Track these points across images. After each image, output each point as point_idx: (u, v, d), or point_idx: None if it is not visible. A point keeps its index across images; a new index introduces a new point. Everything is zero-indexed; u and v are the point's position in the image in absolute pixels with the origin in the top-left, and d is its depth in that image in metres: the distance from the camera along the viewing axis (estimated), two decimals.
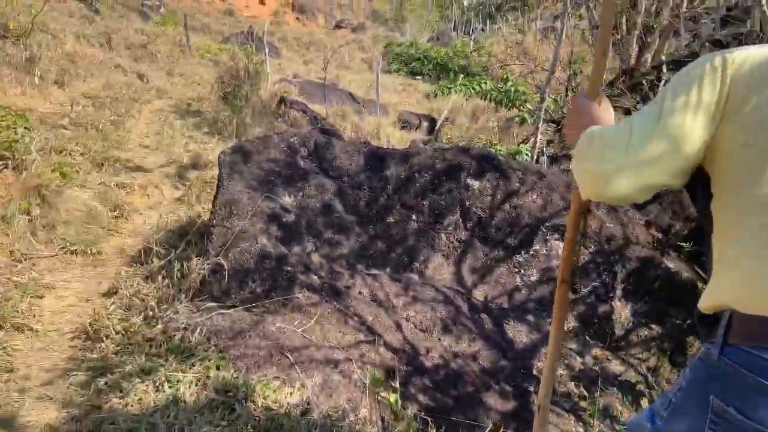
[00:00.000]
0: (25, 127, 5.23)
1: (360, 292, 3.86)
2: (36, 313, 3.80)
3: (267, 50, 12.95)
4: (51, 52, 8.17)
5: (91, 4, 16.11)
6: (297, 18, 28.67)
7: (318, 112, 10.72)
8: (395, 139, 11.68)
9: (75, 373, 3.20)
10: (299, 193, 4.33)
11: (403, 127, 13.19)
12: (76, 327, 3.70)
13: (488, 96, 7.69)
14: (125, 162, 6.58)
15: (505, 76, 7.68)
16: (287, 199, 4.28)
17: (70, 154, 6.04)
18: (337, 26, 28.34)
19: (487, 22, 26.55)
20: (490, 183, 4.42)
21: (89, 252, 4.68)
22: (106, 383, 2.99)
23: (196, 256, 3.89)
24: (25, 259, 4.36)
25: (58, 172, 5.19)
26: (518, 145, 7.74)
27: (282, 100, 10.45)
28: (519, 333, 3.91)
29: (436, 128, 12.87)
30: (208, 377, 2.98)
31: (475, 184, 4.41)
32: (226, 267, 3.71)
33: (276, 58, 16.66)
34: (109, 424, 2.66)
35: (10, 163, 4.92)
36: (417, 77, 19.15)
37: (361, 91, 15.11)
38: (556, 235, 4.32)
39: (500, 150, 7.24)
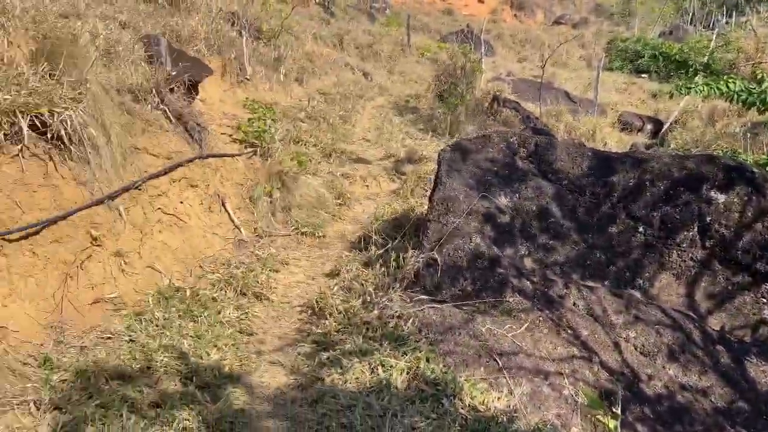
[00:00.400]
0: (272, 119, 5.91)
1: (575, 304, 3.65)
2: (272, 285, 4.27)
3: (483, 48, 12.96)
4: (293, 51, 9.13)
5: (327, 7, 17.69)
6: (515, 15, 28.26)
7: (531, 111, 10.44)
8: (613, 141, 10.91)
9: (302, 344, 3.54)
10: (515, 195, 4.24)
11: (623, 129, 12.24)
12: (304, 302, 4.09)
13: (735, 97, 6.73)
14: (349, 154, 7.09)
15: (759, 76, 6.64)
16: (503, 200, 4.22)
17: (304, 144, 6.69)
18: (557, 22, 27.28)
19: (733, 14, 23.33)
20: (740, 198, 3.85)
21: (316, 234, 5.14)
22: (328, 358, 3.24)
23: (412, 249, 4.02)
24: (265, 236, 4.95)
25: (295, 161, 5.78)
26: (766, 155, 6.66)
27: (495, 99, 10.37)
28: (764, 373, 3.36)
29: (662, 131, 11.71)
30: (418, 368, 3.06)
31: (720, 198, 3.88)
32: (439, 262, 3.78)
33: (491, 56, 16.62)
34: (331, 397, 2.88)
35: (258, 150, 5.60)
36: (642, 75, 17.58)
37: (577, 90, 14.37)
38: None
39: (745, 160, 6.31)
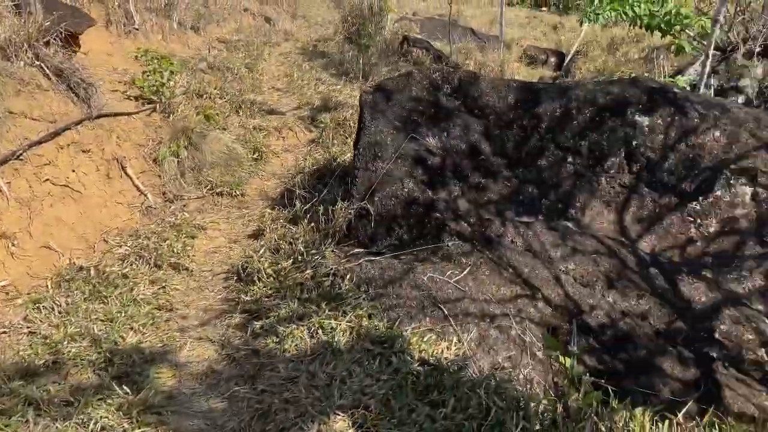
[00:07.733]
0: (170, 71, 5.34)
1: (512, 241, 3.56)
2: (189, 253, 3.90)
3: None
4: None
5: None
6: None
7: (441, 50, 10.23)
8: (521, 76, 10.94)
9: (231, 314, 3.24)
10: (443, 134, 4.04)
11: (529, 63, 12.35)
12: (228, 268, 3.76)
13: (639, 22, 6.80)
14: (260, 105, 6.61)
15: None
16: (431, 141, 4.01)
17: (210, 97, 6.13)
18: None
19: None
20: (663, 119, 3.85)
21: (234, 193, 4.75)
22: (261, 327, 2.97)
23: (340, 200, 3.76)
24: (176, 200, 4.50)
25: (202, 115, 5.28)
26: (666, 78, 6.86)
27: (405, 39, 10.05)
28: (696, 291, 3.43)
29: (566, 63, 11.89)
30: (361, 326, 2.86)
31: (645, 120, 3.86)
32: (371, 212, 3.55)
33: None
34: (269, 369, 2.63)
35: (157, 106, 5.06)
36: (542, 9, 17.80)
37: (483, 27, 14.28)
38: (743, 180, 3.71)
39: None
